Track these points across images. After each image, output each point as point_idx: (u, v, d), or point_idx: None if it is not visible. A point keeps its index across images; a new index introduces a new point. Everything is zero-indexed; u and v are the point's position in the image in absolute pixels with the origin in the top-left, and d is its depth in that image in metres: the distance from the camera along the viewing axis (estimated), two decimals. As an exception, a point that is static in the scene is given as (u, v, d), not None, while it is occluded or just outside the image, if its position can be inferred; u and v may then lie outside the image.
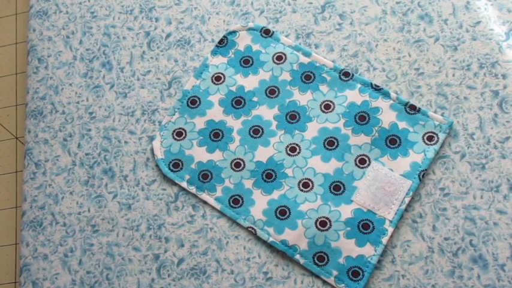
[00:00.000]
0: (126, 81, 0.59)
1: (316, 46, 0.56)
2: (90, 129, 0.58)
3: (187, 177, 0.54)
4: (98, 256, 0.54)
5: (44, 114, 0.60)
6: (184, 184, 0.54)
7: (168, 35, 0.59)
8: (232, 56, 0.56)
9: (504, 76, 0.51)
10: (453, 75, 0.52)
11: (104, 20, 0.62)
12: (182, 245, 0.53)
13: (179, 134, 0.55)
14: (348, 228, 0.49)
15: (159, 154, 0.55)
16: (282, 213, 0.51)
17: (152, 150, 0.56)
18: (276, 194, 0.52)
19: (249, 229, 0.51)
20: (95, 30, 0.61)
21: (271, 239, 0.50)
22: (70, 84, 0.60)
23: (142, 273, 0.53)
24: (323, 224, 0.49)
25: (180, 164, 0.54)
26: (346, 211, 0.49)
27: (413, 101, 0.52)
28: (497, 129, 0.50)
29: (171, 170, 0.54)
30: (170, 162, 0.54)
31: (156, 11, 0.61)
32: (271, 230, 0.51)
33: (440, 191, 0.49)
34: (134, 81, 0.59)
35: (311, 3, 0.57)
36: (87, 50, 0.61)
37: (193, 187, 0.53)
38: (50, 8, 0.64)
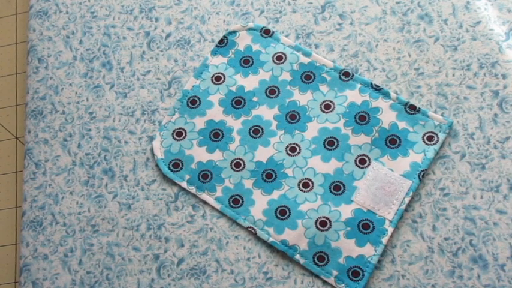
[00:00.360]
0: (126, 81, 0.59)
1: (316, 46, 0.56)
2: (90, 129, 0.58)
3: (187, 177, 0.54)
4: (98, 256, 0.54)
5: (44, 114, 0.60)
6: (184, 184, 0.54)
7: (168, 35, 0.59)
8: (232, 56, 0.56)
9: (504, 76, 0.51)
10: (453, 75, 0.52)
11: (104, 20, 0.62)
12: (182, 245, 0.53)
13: (179, 134, 0.55)
14: (348, 228, 0.49)
15: (159, 154, 0.55)
16: (282, 213, 0.51)
17: (152, 150, 0.56)
18: (276, 194, 0.51)
19: (249, 229, 0.51)
20: (95, 30, 0.61)
21: (271, 239, 0.50)
22: (70, 84, 0.60)
23: (142, 273, 0.53)
24: (323, 224, 0.49)
25: (180, 164, 0.54)
26: (346, 211, 0.49)
27: (413, 101, 0.52)
28: (497, 129, 0.50)
29: (171, 170, 0.54)
30: (170, 162, 0.54)
31: (156, 11, 0.61)
32: (271, 230, 0.51)
33: (440, 191, 0.49)
34: (134, 81, 0.59)
35: (311, 3, 0.57)
36: (87, 50, 0.61)
37: (193, 187, 0.53)
38: (50, 8, 0.64)
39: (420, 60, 0.53)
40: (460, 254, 0.48)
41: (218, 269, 0.51)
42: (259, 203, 0.52)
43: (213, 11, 0.59)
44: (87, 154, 0.57)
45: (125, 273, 0.53)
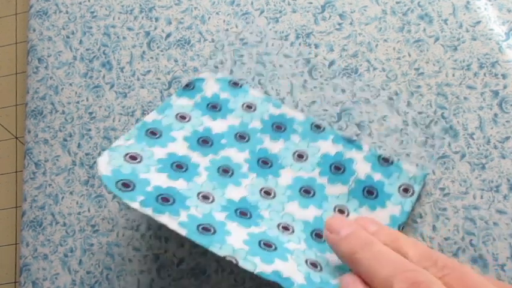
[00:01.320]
0: (126, 81, 0.59)
1: (316, 46, 0.56)
2: (90, 129, 0.58)
3: (140, 198, 0.41)
4: (98, 256, 0.54)
5: (44, 114, 0.60)
6: (135, 205, 0.40)
7: (168, 35, 0.59)
8: (199, 100, 0.52)
9: (504, 76, 0.51)
10: (453, 75, 0.52)
11: (104, 20, 0.62)
12: (182, 245, 0.53)
13: (133, 157, 0.44)
14: (341, 271, 0.42)
15: (104, 170, 0.42)
16: (267, 245, 0.41)
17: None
18: (255, 230, 0.43)
19: (228, 259, 0.38)
20: (95, 30, 0.61)
21: (258, 269, 0.38)
22: (70, 84, 0.60)
23: (142, 273, 0.53)
24: (314, 265, 0.42)
25: (131, 186, 0.42)
26: (333, 258, 0.43)
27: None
28: (497, 129, 0.50)
29: (119, 189, 0.42)
30: (118, 181, 0.42)
31: (156, 11, 0.61)
32: (257, 259, 0.39)
33: (440, 191, 0.49)
34: (134, 81, 0.59)
35: (311, 3, 0.57)
36: (87, 50, 0.61)
37: (149, 208, 0.40)
38: (50, 8, 0.64)
39: (420, 60, 0.53)
40: (460, 254, 0.48)
41: (218, 269, 0.51)
42: (237, 234, 0.41)
43: (213, 11, 0.59)
44: (87, 154, 0.57)
45: (124, 273, 0.53)
